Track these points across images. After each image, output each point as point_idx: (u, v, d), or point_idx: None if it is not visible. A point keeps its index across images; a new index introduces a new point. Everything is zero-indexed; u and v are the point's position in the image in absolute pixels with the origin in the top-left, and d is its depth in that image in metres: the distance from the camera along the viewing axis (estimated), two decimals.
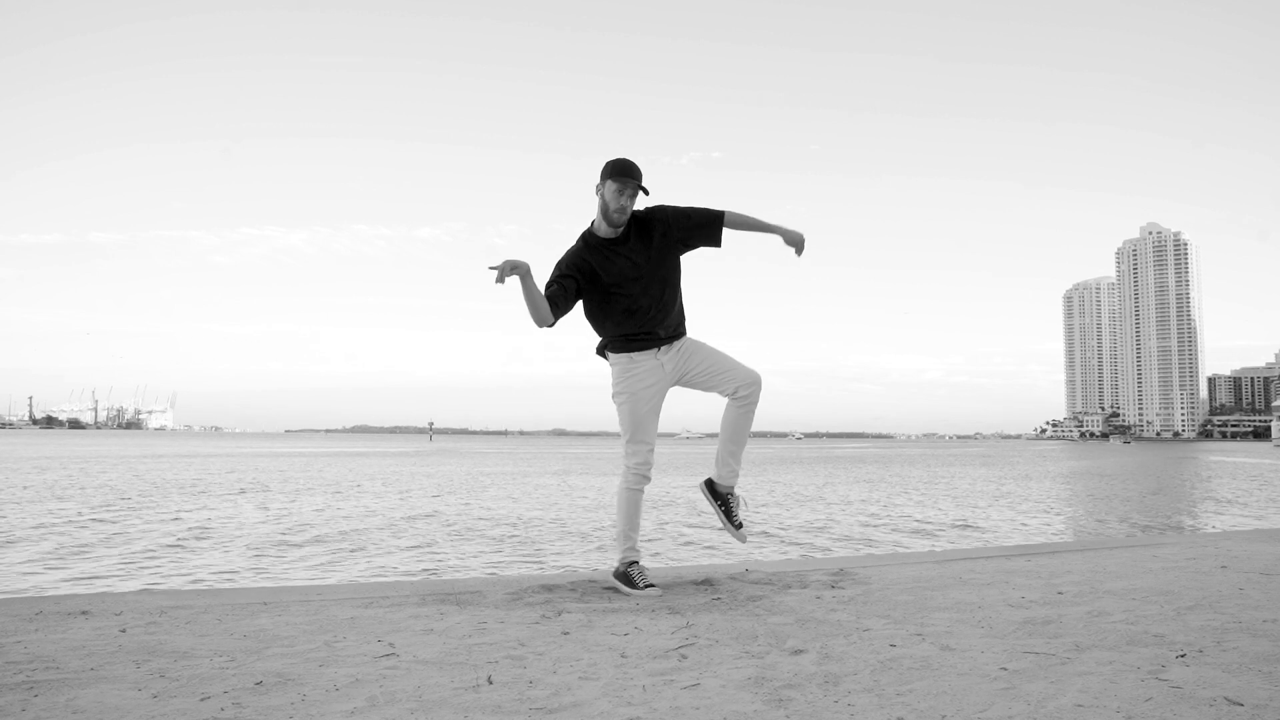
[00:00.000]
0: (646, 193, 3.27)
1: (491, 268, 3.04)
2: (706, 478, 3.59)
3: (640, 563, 3.43)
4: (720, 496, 3.52)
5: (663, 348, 3.40)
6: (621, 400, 3.40)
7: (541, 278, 3.21)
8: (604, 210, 3.26)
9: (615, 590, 3.32)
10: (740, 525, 3.51)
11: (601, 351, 3.50)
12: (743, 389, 3.38)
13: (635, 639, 2.52)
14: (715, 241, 3.43)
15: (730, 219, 3.42)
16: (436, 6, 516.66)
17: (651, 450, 3.42)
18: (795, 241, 3.43)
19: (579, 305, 3.39)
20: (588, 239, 3.35)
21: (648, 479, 3.42)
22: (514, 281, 3.11)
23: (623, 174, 3.22)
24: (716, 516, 3.53)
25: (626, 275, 3.31)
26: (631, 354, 3.38)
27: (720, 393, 3.44)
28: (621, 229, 3.32)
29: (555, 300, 3.22)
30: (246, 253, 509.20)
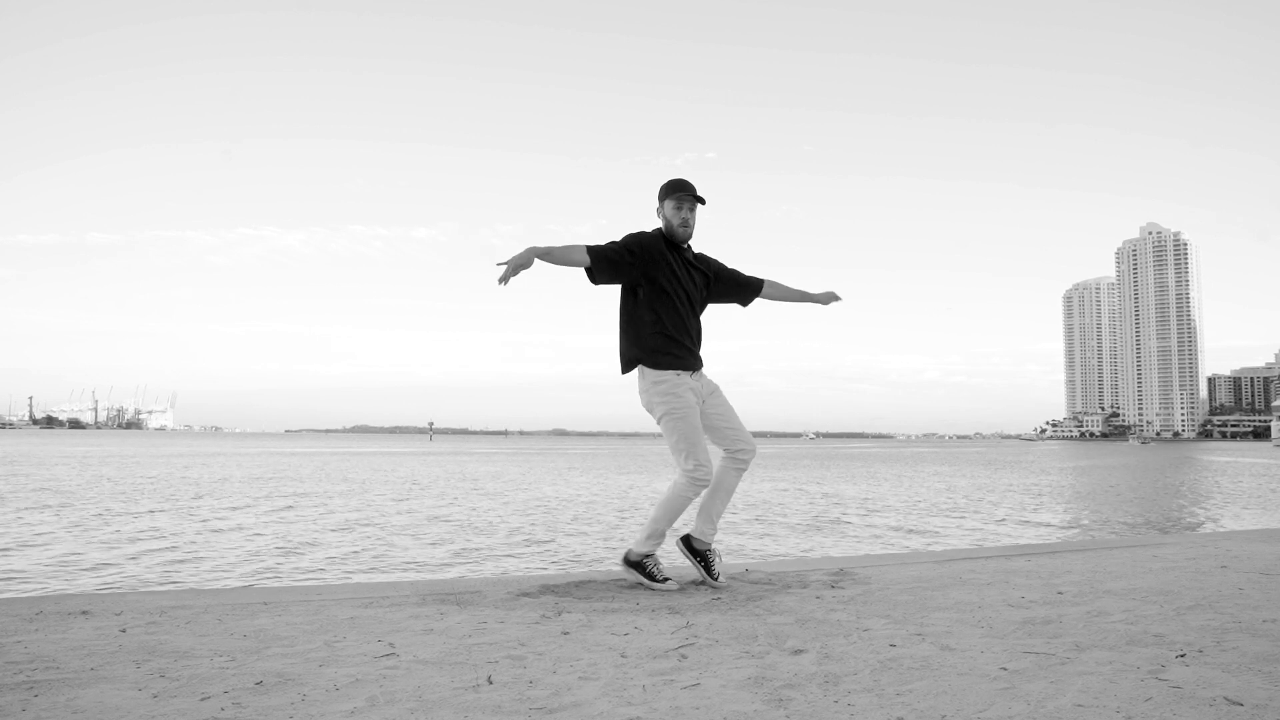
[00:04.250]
0: (703, 202, 3.39)
1: (500, 264, 3.07)
2: (684, 534, 3.50)
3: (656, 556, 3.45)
4: (699, 553, 3.45)
5: (695, 374, 3.42)
6: (676, 417, 3.29)
7: (540, 266, 3.16)
8: (669, 231, 3.40)
9: (637, 578, 3.37)
10: (718, 576, 3.43)
11: (631, 367, 3.37)
12: (743, 452, 3.43)
13: (635, 639, 2.52)
14: (745, 302, 3.70)
15: (767, 289, 3.71)
16: (435, 7, 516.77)
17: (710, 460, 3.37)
18: (828, 300, 3.76)
19: (620, 302, 3.40)
20: (667, 238, 3.41)
21: (707, 486, 3.37)
22: (523, 272, 3.11)
23: (678, 189, 3.37)
24: (695, 570, 3.47)
25: (691, 288, 3.42)
26: (678, 371, 3.33)
27: (722, 446, 3.44)
28: (686, 246, 3.46)
29: (607, 259, 3.23)
30: (244, 253, 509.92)
